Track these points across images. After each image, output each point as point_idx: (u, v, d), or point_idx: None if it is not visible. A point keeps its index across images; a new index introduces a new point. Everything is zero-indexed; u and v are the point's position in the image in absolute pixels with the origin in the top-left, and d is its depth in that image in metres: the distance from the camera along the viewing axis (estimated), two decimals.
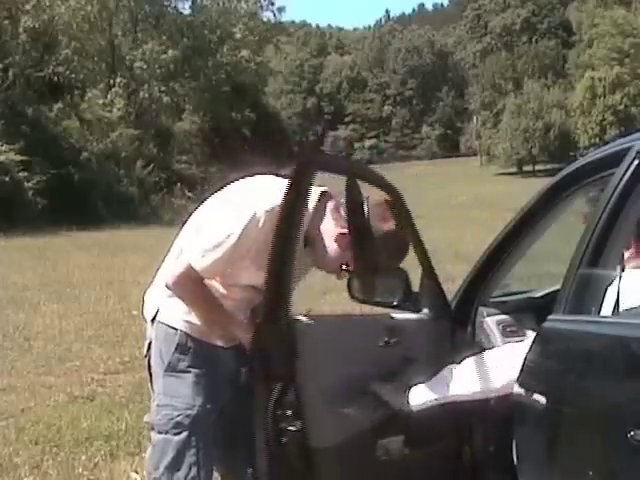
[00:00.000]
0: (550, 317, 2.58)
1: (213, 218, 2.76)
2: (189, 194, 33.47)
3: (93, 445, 4.88)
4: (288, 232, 2.46)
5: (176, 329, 2.85)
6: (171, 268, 2.79)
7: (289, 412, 2.58)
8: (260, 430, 2.63)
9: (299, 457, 2.64)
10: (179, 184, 33.32)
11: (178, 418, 2.81)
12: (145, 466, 3.10)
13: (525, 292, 3.58)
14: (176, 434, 2.81)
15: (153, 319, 2.94)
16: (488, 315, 3.21)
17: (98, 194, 27.01)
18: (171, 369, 2.85)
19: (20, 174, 23.52)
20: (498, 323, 3.19)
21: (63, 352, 7.47)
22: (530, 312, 3.23)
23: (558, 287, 2.73)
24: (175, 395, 2.83)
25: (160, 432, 2.85)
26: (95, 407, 5.76)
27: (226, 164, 36.79)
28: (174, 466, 2.81)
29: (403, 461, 2.88)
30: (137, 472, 4.45)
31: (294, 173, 2.48)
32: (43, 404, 5.84)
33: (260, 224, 2.67)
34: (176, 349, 2.85)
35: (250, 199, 2.73)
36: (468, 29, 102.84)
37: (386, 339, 2.86)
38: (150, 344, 2.98)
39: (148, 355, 3.00)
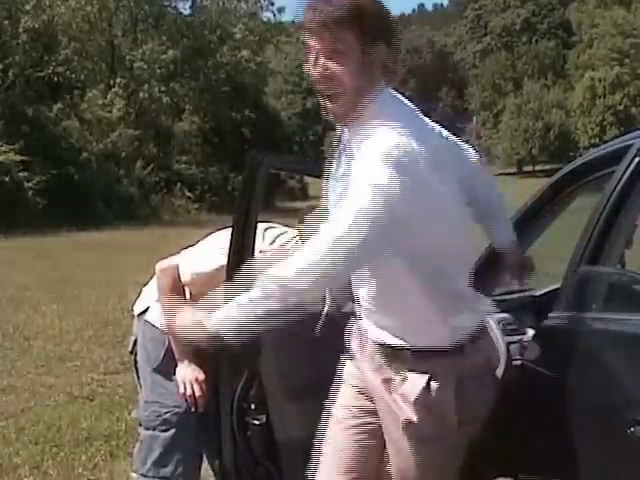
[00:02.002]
0: (550, 315, 2.58)
1: (220, 242, 2.77)
2: (189, 194, 33.46)
3: (93, 445, 4.88)
4: (244, 229, 2.53)
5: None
6: (169, 258, 2.88)
7: (253, 406, 2.61)
8: (226, 423, 2.66)
9: (264, 450, 2.66)
10: (179, 184, 33.29)
11: (166, 415, 2.82)
12: (133, 461, 3.11)
13: (525, 290, 3.57)
14: (163, 431, 2.82)
15: (140, 315, 2.97)
16: None
17: (98, 194, 26.99)
18: (159, 368, 2.87)
19: (20, 174, 23.49)
20: (498, 321, 3.19)
21: (63, 352, 7.46)
22: (530, 310, 3.22)
23: (558, 286, 2.74)
24: (163, 393, 2.84)
25: (147, 428, 2.88)
26: (95, 407, 5.76)
27: (226, 164, 36.78)
28: (161, 462, 2.83)
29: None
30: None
31: (246, 172, 2.59)
32: (43, 404, 5.83)
33: None
34: (166, 352, 2.85)
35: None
36: (468, 29, 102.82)
37: None
38: (136, 341, 3.00)
39: (134, 351, 3.01)
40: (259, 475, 2.72)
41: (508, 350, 3.09)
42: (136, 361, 3.06)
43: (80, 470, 4.50)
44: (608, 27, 64.61)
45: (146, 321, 2.96)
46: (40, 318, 8.99)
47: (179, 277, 2.76)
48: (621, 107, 61.81)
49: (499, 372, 3.08)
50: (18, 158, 23.30)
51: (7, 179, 22.95)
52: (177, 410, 2.82)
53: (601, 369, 2.30)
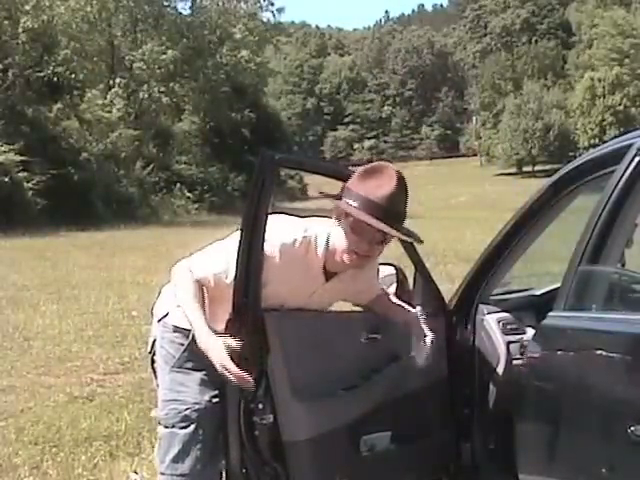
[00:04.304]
0: (550, 314, 2.58)
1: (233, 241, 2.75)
2: (189, 194, 33.47)
3: (93, 445, 4.86)
4: (254, 226, 2.53)
5: (187, 330, 2.84)
6: (181, 264, 2.83)
7: (261, 405, 2.60)
8: (232, 423, 2.65)
9: (271, 450, 2.66)
10: (179, 184, 33.30)
11: (186, 412, 2.81)
12: (155, 461, 3.11)
13: (525, 290, 3.58)
14: (182, 427, 2.81)
15: (160, 319, 2.94)
16: (488, 313, 3.20)
17: (98, 194, 26.98)
18: (178, 365, 2.85)
19: (20, 174, 23.46)
20: (498, 321, 3.19)
21: (63, 352, 7.45)
22: (530, 309, 3.23)
23: (558, 285, 2.73)
24: (182, 390, 2.83)
25: (166, 426, 2.86)
26: (95, 407, 5.74)
27: (226, 164, 36.80)
28: (179, 458, 2.81)
29: (384, 457, 2.87)
30: (137, 472, 4.44)
31: (257, 169, 2.57)
32: (43, 404, 5.82)
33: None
34: (185, 349, 2.83)
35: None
36: (468, 29, 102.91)
37: (370, 335, 2.86)
38: (155, 341, 2.98)
39: (153, 352, 3.00)
40: (266, 475, 2.71)
41: (508, 349, 3.09)
42: (153, 361, 3.03)
43: (80, 470, 4.49)
44: (608, 27, 64.64)
45: (165, 324, 2.93)
46: (40, 318, 8.97)
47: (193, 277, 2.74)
48: (621, 107, 61.84)
49: (499, 371, 3.09)
50: (18, 158, 23.27)
51: (7, 179, 22.92)
52: (197, 407, 2.79)
53: (601, 368, 2.30)
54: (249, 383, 2.56)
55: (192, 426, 2.80)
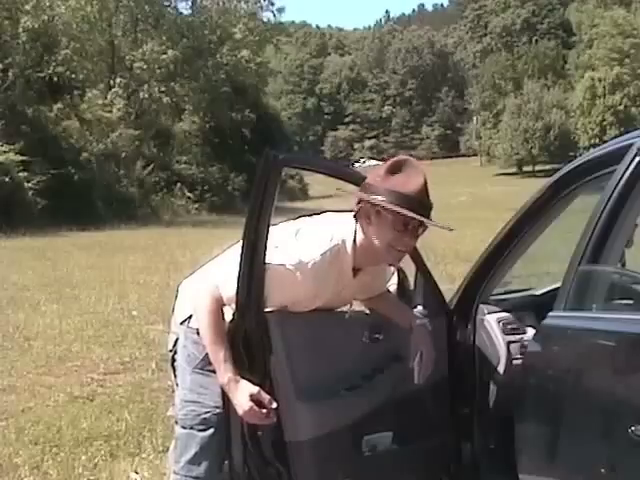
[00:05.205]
0: (551, 314, 2.58)
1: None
2: (189, 194, 33.48)
3: (93, 445, 4.86)
4: (257, 228, 2.53)
5: None
6: (200, 283, 2.77)
7: None
8: (235, 423, 2.65)
9: (274, 450, 2.66)
10: (179, 184, 33.30)
11: (206, 415, 2.79)
12: (168, 459, 3.09)
13: (525, 290, 3.58)
14: (201, 430, 2.79)
15: (183, 322, 2.90)
16: (489, 312, 3.20)
17: (98, 194, 26.98)
18: (200, 367, 2.82)
19: (20, 174, 23.45)
20: (499, 320, 3.19)
21: (63, 352, 7.45)
22: (531, 309, 3.23)
23: (559, 285, 2.74)
24: (203, 392, 2.80)
25: (184, 427, 2.84)
26: (95, 407, 5.74)
27: (226, 164, 36.79)
28: (195, 461, 2.80)
29: (387, 457, 2.87)
30: (137, 472, 4.44)
31: (261, 169, 2.56)
32: (43, 404, 5.82)
33: (291, 281, 2.64)
34: (208, 353, 2.79)
35: (299, 250, 2.66)
36: (468, 29, 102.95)
37: (372, 335, 2.86)
38: (177, 340, 2.94)
39: (174, 350, 2.97)
40: (269, 476, 2.71)
41: (508, 349, 3.10)
42: (174, 359, 3.01)
43: (80, 470, 4.49)
44: (608, 27, 64.61)
45: (189, 326, 2.87)
46: (40, 318, 8.97)
47: (221, 299, 2.65)
48: (621, 107, 61.84)
49: (500, 371, 3.09)
50: (18, 158, 23.27)
51: (7, 179, 22.91)
52: (217, 411, 2.76)
53: (601, 368, 2.30)
54: (271, 420, 2.61)
55: (211, 430, 2.78)
